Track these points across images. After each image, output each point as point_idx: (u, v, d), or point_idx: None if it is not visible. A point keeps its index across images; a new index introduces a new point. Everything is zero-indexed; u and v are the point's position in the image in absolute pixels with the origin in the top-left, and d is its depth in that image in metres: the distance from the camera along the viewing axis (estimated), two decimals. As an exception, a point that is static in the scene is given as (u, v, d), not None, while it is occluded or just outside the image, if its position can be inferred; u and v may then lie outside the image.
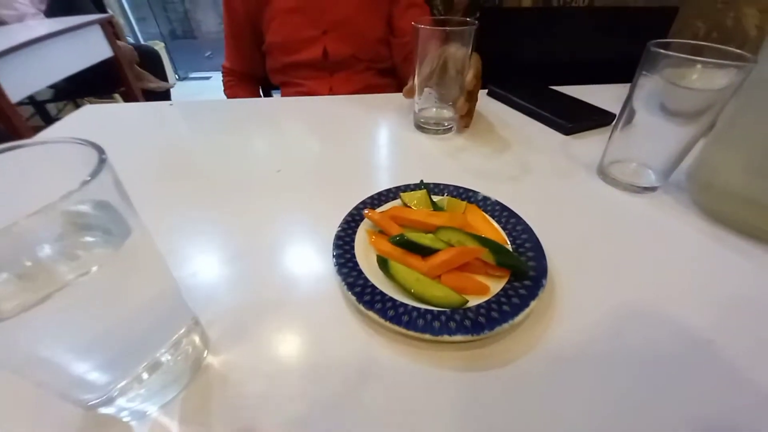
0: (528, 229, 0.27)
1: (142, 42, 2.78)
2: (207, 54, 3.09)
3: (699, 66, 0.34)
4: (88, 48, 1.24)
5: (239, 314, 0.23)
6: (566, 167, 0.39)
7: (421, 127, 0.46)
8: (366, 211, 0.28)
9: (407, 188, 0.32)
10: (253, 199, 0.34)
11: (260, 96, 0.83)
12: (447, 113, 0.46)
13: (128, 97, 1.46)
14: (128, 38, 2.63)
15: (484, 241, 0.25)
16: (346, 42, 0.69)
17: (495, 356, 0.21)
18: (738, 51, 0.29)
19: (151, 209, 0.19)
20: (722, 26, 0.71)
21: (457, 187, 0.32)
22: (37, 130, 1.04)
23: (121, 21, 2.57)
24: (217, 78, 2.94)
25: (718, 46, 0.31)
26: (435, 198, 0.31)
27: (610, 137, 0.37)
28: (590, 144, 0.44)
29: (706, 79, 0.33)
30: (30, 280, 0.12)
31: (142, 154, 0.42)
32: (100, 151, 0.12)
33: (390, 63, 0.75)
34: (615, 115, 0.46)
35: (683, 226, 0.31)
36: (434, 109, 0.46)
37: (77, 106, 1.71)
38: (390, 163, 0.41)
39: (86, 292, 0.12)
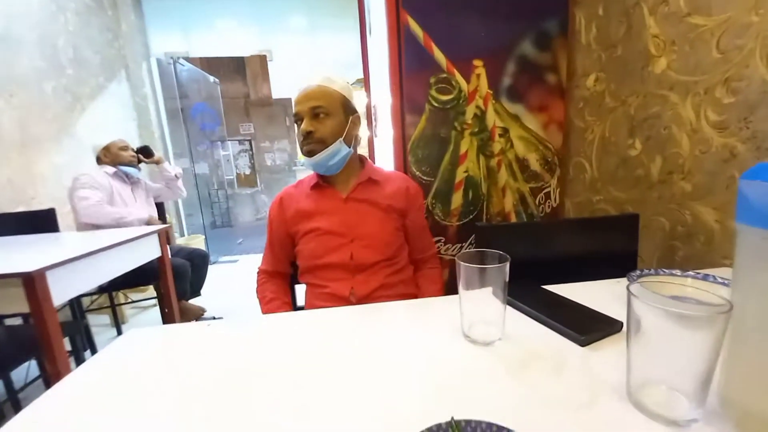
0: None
1: (187, 234, 3.26)
2: (239, 241, 3.58)
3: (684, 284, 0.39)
4: (141, 252, 1.45)
5: None
6: (595, 391, 0.39)
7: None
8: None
9: (438, 429, 0.31)
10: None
11: (287, 289, 0.93)
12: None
13: (162, 292, 1.59)
14: (176, 234, 3.09)
15: None
16: (369, 248, 0.81)
17: None
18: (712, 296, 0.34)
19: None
20: (684, 222, 0.83)
21: (490, 425, 0.31)
22: (64, 326, 1.10)
23: (173, 220, 3.10)
24: (243, 261, 3.29)
25: (690, 278, 0.36)
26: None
27: (627, 350, 0.38)
28: (609, 356, 0.44)
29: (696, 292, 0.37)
30: None
31: (180, 375, 0.43)
32: None
33: (403, 263, 0.86)
34: (621, 323, 0.49)
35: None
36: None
37: (110, 298, 1.84)
38: (418, 384, 0.40)
39: None
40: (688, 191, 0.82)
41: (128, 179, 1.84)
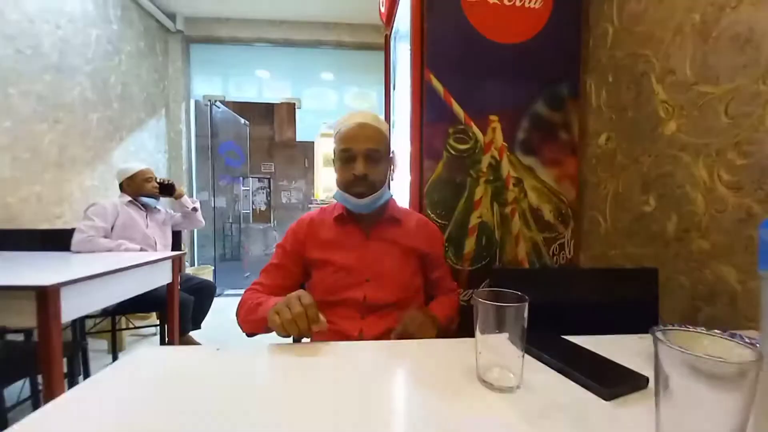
0: None
1: (197, 264, 3.28)
2: (246, 274, 3.59)
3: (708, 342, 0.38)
4: (153, 276, 1.46)
5: None
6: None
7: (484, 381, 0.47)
8: None
9: None
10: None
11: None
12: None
13: (166, 320, 1.57)
14: (186, 263, 3.12)
15: None
16: (384, 289, 0.78)
17: None
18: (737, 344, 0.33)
19: None
20: (705, 281, 0.81)
21: None
22: (64, 346, 1.08)
23: (186, 250, 3.14)
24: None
25: (715, 334, 0.35)
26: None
27: (656, 408, 0.35)
28: (635, 412, 0.41)
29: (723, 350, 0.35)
30: None
31: (183, 399, 0.42)
32: None
33: (416, 307, 0.84)
34: (646, 378, 0.47)
35: None
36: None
37: (113, 322, 1.82)
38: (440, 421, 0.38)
39: None
40: (707, 249, 0.81)
41: (144, 208, 1.88)
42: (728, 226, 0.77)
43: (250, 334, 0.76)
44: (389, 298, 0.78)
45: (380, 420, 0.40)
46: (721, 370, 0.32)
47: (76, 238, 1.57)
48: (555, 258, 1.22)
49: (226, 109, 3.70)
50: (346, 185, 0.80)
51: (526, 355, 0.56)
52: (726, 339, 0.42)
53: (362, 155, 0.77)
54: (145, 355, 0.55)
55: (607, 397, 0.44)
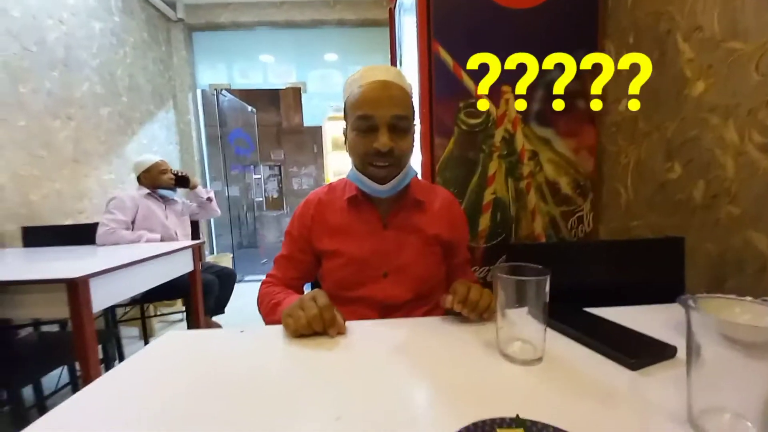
0: None
1: (216, 253, 3.36)
2: (263, 261, 3.68)
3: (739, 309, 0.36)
4: (175, 265, 1.51)
5: None
6: (650, 417, 0.36)
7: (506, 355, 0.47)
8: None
9: (503, 422, 0.32)
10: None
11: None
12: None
13: (190, 307, 1.63)
14: (206, 251, 3.21)
15: None
16: (404, 285, 0.68)
17: None
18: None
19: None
20: (734, 249, 0.78)
21: (557, 430, 0.31)
22: (98, 333, 1.13)
23: (205, 239, 3.22)
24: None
25: (747, 300, 0.34)
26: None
27: (688, 377, 0.35)
28: (663, 382, 0.41)
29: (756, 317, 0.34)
30: None
31: (212, 377, 0.43)
32: None
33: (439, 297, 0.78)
34: (674, 348, 0.46)
35: None
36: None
37: (142, 310, 1.90)
38: (465, 393, 0.39)
39: None
40: (737, 215, 0.77)
41: (162, 200, 1.92)
42: (760, 191, 0.73)
43: None
44: (408, 295, 0.69)
45: (404, 394, 0.41)
46: (756, 337, 0.31)
47: (99, 231, 1.62)
48: (573, 232, 1.19)
49: (233, 97, 3.68)
50: (364, 161, 0.66)
51: (548, 328, 0.56)
52: (759, 305, 0.41)
53: (387, 124, 0.61)
54: (174, 338, 0.57)
55: (634, 368, 0.43)
